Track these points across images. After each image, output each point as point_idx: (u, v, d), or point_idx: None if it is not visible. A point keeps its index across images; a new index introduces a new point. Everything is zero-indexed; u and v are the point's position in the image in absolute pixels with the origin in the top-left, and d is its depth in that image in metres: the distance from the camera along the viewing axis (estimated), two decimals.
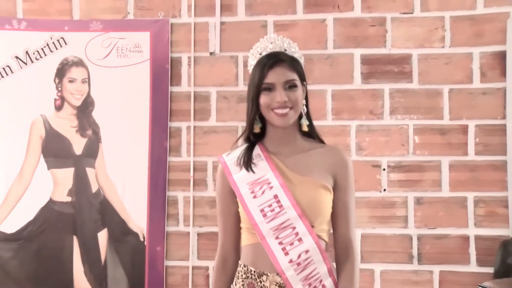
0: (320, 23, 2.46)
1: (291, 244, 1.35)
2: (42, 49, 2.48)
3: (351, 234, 1.47)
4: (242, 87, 2.42)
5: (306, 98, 1.48)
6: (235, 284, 1.45)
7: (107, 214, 2.44)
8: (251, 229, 1.41)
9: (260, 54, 1.45)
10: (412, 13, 2.43)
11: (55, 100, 2.47)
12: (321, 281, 1.36)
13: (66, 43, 2.47)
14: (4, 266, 2.40)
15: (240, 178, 1.43)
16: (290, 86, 1.39)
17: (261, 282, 1.38)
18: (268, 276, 1.38)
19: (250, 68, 1.47)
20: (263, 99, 1.39)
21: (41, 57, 2.48)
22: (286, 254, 1.35)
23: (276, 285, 1.37)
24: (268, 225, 1.37)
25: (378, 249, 2.43)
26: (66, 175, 2.43)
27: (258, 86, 1.40)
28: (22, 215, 2.42)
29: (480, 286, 2.06)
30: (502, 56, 2.35)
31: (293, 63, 1.42)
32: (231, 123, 2.42)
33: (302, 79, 1.45)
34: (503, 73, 2.35)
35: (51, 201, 2.42)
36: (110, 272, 2.41)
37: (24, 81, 2.45)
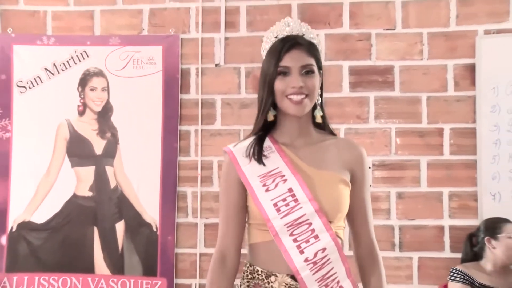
0: None
1: (307, 241, 1.20)
2: (67, 61, 2.56)
3: (373, 236, 1.34)
4: (244, 95, 2.53)
5: (321, 88, 1.32)
6: (240, 285, 1.31)
7: (124, 207, 2.52)
8: (262, 226, 1.24)
9: (276, 37, 1.30)
10: (394, 29, 2.54)
11: (78, 106, 2.56)
12: (338, 282, 1.22)
13: (88, 56, 2.56)
14: (35, 252, 2.48)
15: (250, 170, 1.26)
16: (307, 71, 1.24)
17: (269, 283, 1.24)
18: (277, 276, 1.23)
19: (264, 52, 1.31)
20: (278, 84, 1.24)
21: (66, 68, 2.56)
22: (301, 252, 1.20)
23: (285, 286, 1.23)
24: (282, 221, 1.21)
25: None
26: (88, 172, 2.53)
27: (273, 70, 1.24)
28: (50, 208, 2.51)
29: (453, 269, 2.23)
30: (472, 68, 2.47)
31: (311, 48, 1.27)
32: (234, 126, 2.52)
33: (319, 66, 1.29)
34: (473, 83, 2.47)
35: (74, 196, 2.52)
36: (127, 259, 2.49)
37: (52, 89, 2.55)
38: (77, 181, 2.53)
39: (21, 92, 2.54)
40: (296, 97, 1.22)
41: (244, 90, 2.53)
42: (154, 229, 2.48)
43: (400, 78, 2.53)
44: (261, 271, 1.24)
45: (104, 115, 2.55)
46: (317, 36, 1.35)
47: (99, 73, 2.56)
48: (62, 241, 2.49)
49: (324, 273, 1.20)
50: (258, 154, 1.25)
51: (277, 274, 1.22)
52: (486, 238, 2.21)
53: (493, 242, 2.19)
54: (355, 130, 2.53)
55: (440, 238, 2.47)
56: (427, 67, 2.51)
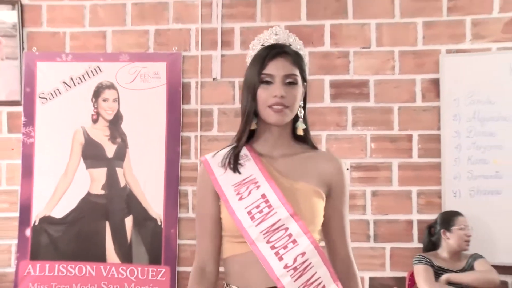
0: None
1: (285, 247, 1.13)
2: (82, 75, 2.72)
3: (350, 252, 1.26)
4: (238, 105, 2.50)
5: (305, 100, 1.25)
6: None
7: (132, 204, 2.66)
8: (236, 237, 1.16)
9: (262, 45, 1.23)
10: (369, 47, 2.72)
11: (92, 115, 2.72)
12: (324, 287, 1.14)
13: (101, 71, 2.71)
14: (54, 243, 2.65)
15: (224, 179, 1.20)
16: (290, 82, 1.17)
17: None
18: None
19: (249, 59, 1.23)
20: (260, 93, 1.17)
21: (81, 82, 2.72)
22: (280, 259, 1.12)
23: None
24: (257, 229, 1.14)
25: None
26: (101, 173, 2.69)
27: (257, 77, 1.17)
28: (67, 204, 2.66)
29: (416, 255, 2.45)
30: (436, 82, 2.66)
31: (297, 58, 1.20)
32: (229, 133, 2.63)
33: (304, 77, 1.22)
34: (438, 95, 2.65)
35: (88, 194, 2.67)
36: (134, 249, 2.64)
37: (69, 100, 2.71)
38: (91, 181, 2.69)
39: (42, 103, 2.72)
40: (276, 107, 1.17)
41: (238, 101, 2.70)
42: (159, 223, 2.64)
43: (374, 91, 2.71)
44: None
45: (115, 123, 2.71)
46: (304, 48, 1.28)
47: (111, 86, 2.72)
48: (77, 233, 2.65)
49: (307, 278, 1.13)
50: (234, 163, 1.20)
51: None
52: (441, 231, 2.46)
53: (447, 234, 2.44)
54: (335, 136, 2.73)
55: (409, 231, 2.67)
56: (398, 81, 2.71)
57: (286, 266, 1.12)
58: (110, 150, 2.72)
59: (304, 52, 1.26)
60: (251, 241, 1.13)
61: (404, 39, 2.72)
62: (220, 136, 2.74)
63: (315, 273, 1.13)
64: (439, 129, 2.67)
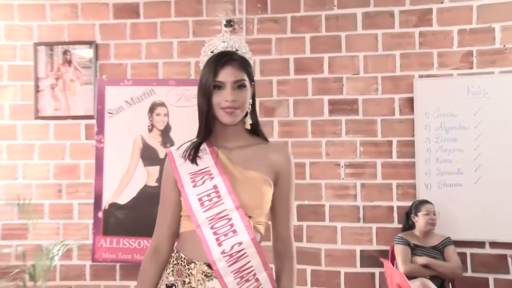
0: (303, 81, 3.22)
1: (225, 235, 1.21)
2: (140, 96, 3.16)
3: (291, 234, 1.34)
4: None
5: (254, 98, 1.33)
6: (166, 269, 1.31)
7: None
8: (189, 217, 1.25)
9: (212, 52, 1.30)
10: (358, 74, 3.16)
11: (148, 126, 3.15)
12: (254, 274, 1.21)
13: (154, 93, 3.15)
14: (120, 223, 3.13)
15: (183, 167, 1.28)
16: (239, 85, 1.25)
17: (189, 269, 1.24)
18: (196, 264, 1.24)
19: (202, 65, 1.31)
20: (214, 97, 1.25)
21: (140, 101, 3.16)
22: (219, 245, 1.20)
23: (202, 273, 1.23)
24: (204, 214, 1.22)
25: (339, 214, 3.15)
26: (155, 170, 3.10)
27: (210, 85, 1.24)
28: (129, 194, 3.11)
29: (396, 236, 2.91)
30: (411, 100, 3.09)
31: (243, 64, 1.28)
32: None
33: (251, 79, 1.30)
34: (412, 110, 3.09)
35: (145, 186, 3.10)
36: None
37: (130, 115, 3.16)
38: (147, 176, 3.12)
39: (110, 117, 3.20)
40: (229, 109, 1.25)
41: None
42: None
43: (362, 107, 3.14)
44: (184, 258, 1.26)
45: (166, 132, 3.12)
46: (249, 51, 1.36)
47: (162, 104, 3.15)
48: (137, 215, 3.09)
49: (240, 265, 1.20)
50: (193, 155, 1.28)
51: (196, 262, 1.23)
52: (412, 215, 2.97)
53: (416, 218, 2.95)
54: (332, 142, 3.18)
55: (390, 214, 3.11)
56: (380, 99, 3.14)
57: (223, 252, 1.19)
58: (162, 152, 3.15)
59: (250, 55, 1.34)
60: (197, 224, 1.22)
61: (385, 67, 3.17)
62: None
63: (249, 262, 1.20)
64: (413, 136, 3.09)
